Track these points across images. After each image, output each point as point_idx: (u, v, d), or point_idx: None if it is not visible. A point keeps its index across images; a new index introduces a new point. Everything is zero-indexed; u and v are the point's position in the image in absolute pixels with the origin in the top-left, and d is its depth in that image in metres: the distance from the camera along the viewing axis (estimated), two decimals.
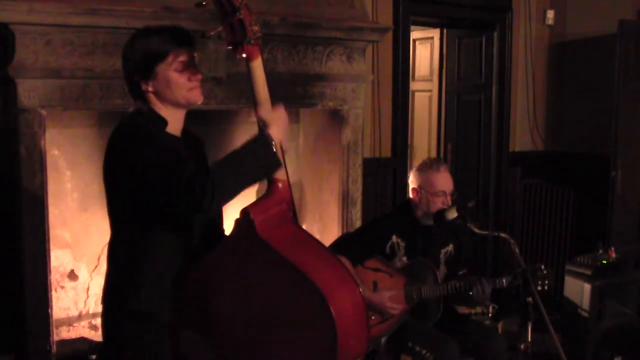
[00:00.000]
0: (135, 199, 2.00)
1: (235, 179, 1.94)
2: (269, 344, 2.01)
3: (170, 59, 2.03)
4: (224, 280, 2.08)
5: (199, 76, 2.09)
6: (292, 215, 2.15)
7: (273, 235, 2.01)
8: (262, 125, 2.02)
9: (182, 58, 2.05)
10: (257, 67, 2.03)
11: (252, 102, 2.06)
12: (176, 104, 2.09)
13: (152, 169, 1.93)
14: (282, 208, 2.11)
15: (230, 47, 2.04)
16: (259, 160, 1.98)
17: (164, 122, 2.08)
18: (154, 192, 1.93)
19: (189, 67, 2.06)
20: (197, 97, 2.10)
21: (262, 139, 1.99)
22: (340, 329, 1.91)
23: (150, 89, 2.05)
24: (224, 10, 1.99)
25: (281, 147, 2.07)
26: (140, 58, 2.04)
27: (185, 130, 2.18)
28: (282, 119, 2.05)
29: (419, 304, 3.16)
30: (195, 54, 2.10)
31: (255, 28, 2.00)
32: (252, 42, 2.00)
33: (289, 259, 1.97)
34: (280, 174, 2.10)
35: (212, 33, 2.11)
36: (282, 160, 2.05)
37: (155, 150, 1.96)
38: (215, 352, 2.09)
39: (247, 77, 2.04)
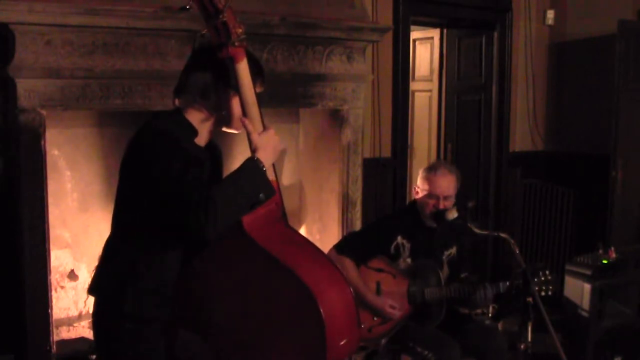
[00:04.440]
0: (147, 210, 1.98)
1: (232, 208, 1.93)
2: (260, 342, 2.02)
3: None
4: (215, 280, 2.09)
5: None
6: (281, 214, 2.16)
7: (262, 234, 2.03)
8: (253, 149, 2.01)
9: None
10: (243, 69, 2.01)
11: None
12: (216, 123, 2.09)
13: (172, 190, 1.91)
14: (271, 208, 2.12)
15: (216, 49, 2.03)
16: (253, 188, 1.96)
17: (194, 133, 2.07)
18: (167, 213, 1.92)
19: None
20: (236, 129, 2.11)
21: (253, 165, 1.98)
22: (329, 326, 1.93)
23: (214, 97, 2.04)
24: (207, 12, 1.96)
25: (273, 168, 2.06)
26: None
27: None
28: (271, 143, 2.04)
29: (421, 305, 3.16)
30: None
31: (239, 30, 1.97)
32: (237, 44, 1.97)
33: (277, 257, 1.99)
34: (269, 175, 2.10)
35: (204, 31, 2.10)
36: (273, 183, 2.04)
37: (179, 168, 1.93)
38: (210, 352, 2.10)
39: (234, 79, 2.02)
